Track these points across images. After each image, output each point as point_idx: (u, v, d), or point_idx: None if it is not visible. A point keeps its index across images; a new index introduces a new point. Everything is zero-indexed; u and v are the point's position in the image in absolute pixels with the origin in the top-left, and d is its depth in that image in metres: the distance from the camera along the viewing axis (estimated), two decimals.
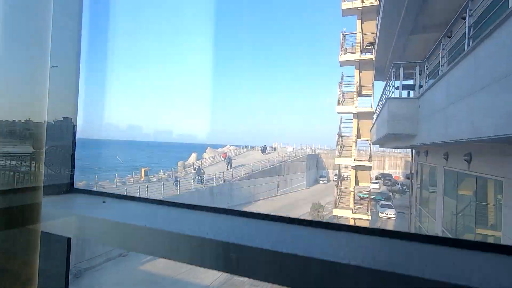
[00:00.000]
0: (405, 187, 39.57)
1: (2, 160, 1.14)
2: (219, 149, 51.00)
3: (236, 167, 32.16)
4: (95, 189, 15.29)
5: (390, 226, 23.87)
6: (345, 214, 14.28)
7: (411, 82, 9.02)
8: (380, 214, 26.84)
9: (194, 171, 25.79)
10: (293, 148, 57.28)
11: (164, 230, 0.76)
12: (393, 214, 26.44)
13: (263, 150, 40.39)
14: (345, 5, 14.51)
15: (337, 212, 14.42)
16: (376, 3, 14.27)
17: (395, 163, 55.71)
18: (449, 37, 9.45)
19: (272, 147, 52.91)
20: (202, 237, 0.70)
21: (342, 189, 15.81)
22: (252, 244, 0.64)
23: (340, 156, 15.46)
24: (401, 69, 7.40)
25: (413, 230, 12.86)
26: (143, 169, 25.88)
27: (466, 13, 4.66)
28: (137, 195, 14.15)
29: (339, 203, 14.88)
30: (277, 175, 34.84)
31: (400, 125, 6.30)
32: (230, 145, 53.85)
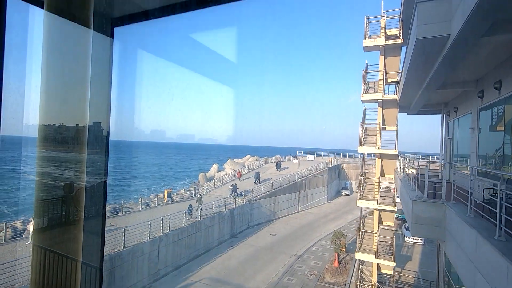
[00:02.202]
0: None
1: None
2: (240, 160, 51.31)
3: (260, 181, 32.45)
4: (121, 213, 15.91)
5: (416, 257, 22.72)
6: (368, 259, 13.80)
7: None
8: (406, 239, 25.57)
9: (231, 187, 28.21)
10: (314, 157, 56.56)
11: None
12: (421, 239, 24.90)
13: (278, 166, 39.46)
14: (367, 43, 13.97)
15: (359, 256, 13.96)
16: (400, 41, 13.63)
17: (421, 163, 53.23)
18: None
19: (294, 158, 52.49)
20: None
21: (364, 228, 15.29)
22: None
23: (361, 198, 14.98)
24: None
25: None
26: (166, 191, 26.65)
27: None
28: (160, 221, 14.45)
29: (361, 245, 14.40)
30: (298, 191, 34.47)
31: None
32: (250, 156, 54.04)
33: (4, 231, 15.86)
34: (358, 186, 28.11)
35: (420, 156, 59.07)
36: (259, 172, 34.70)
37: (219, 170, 47.43)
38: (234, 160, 51.10)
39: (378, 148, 13.83)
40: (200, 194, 24.39)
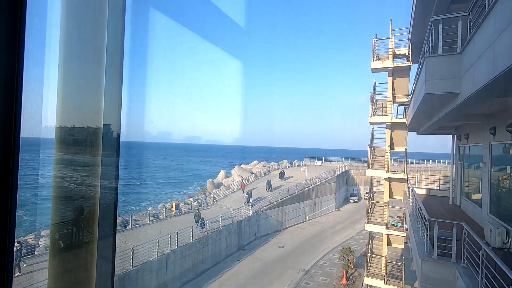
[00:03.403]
0: None
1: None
2: (247, 166, 51.34)
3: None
4: (129, 226, 16.12)
5: None
6: (377, 284, 13.61)
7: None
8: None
9: (246, 195, 29.11)
10: (321, 162, 56.19)
11: None
12: None
13: (281, 176, 38.45)
14: (375, 65, 13.75)
15: (368, 281, 13.77)
16: (409, 64, 13.38)
17: (432, 178, 52.20)
18: None
19: (301, 163, 52.25)
20: None
21: (373, 250, 15.08)
22: None
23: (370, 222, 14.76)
24: (441, 25, 6.31)
25: None
26: (173, 203, 26.89)
27: None
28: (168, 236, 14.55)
29: (370, 269, 14.21)
30: (305, 200, 34.29)
31: (439, 84, 5.47)
32: (258, 161, 54.01)
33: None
34: (367, 193, 27.55)
35: (431, 161, 58.09)
36: (270, 180, 34.67)
37: (226, 176, 47.60)
38: (241, 166, 51.17)
39: (387, 172, 13.62)
40: (198, 210, 24.26)
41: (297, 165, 52.08)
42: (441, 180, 48.70)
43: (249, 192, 29.32)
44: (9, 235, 0.77)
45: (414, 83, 10.70)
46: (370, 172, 13.83)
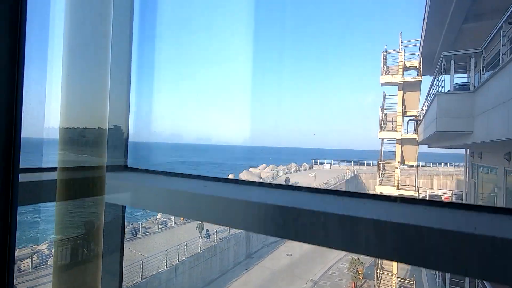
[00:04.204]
0: None
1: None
2: (255, 170, 51.39)
3: None
4: (139, 234, 16.21)
5: None
6: None
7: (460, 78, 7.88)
8: None
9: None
10: (330, 166, 55.76)
11: (212, 195, 0.86)
12: None
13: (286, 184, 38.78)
14: (385, 79, 13.51)
15: None
16: (419, 78, 13.11)
17: (444, 182, 50.99)
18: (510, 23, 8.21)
19: (310, 167, 51.96)
20: (250, 200, 0.78)
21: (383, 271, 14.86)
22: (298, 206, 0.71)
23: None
24: (452, 61, 6.21)
25: None
26: None
27: None
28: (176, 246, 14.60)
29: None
30: None
31: (451, 122, 5.36)
32: (266, 165, 53.97)
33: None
34: (377, 177, 27.27)
35: (443, 164, 56.62)
36: (289, 178, 35.13)
37: None
38: (250, 170, 51.24)
39: (397, 188, 13.37)
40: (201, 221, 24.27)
41: (306, 169, 51.84)
42: (454, 185, 47.49)
43: None
44: (9, 239, 0.76)
45: (425, 100, 10.49)
46: (379, 188, 13.60)
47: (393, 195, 0.80)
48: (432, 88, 8.17)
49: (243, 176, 47.31)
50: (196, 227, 22.29)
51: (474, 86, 5.44)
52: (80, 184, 1.21)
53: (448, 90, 5.89)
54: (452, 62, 5.52)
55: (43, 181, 1.17)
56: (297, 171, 48.99)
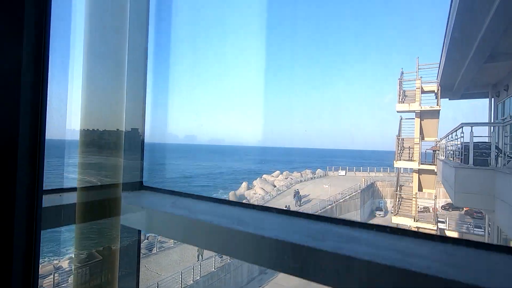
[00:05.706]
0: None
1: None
2: (269, 177, 51.31)
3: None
4: (155, 250, 16.52)
5: None
6: None
7: None
8: None
9: (295, 196, 33.07)
10: (345, 172, 54.84)
11: (229, 228, 0.83)
12: None
13: (296, 196, 34.35)
14: (401, 107, 13.13)
15: None
16: (438, 108, 12.66)
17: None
18: None
19: (324, 173, 51.32)
20: (268, 236, 0.76)
21: None
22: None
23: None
24: (471, 132, 5.81)
25: None
26: None
27: None
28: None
29: None
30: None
31: (471, 198, 5.11)
32: (280, 172, 53.73)
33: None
34: (393, 206, 26.21)
35: None
36: (298, 190, 35.00)
37: (248, 188, 47.83)
38: (264, 177, 51.21)
39: (415, 220, 12.99)
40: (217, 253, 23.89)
41: (320, 176, 51.22)
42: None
43: (296, 190, 32.34)
44: (34, 244, 0.77)
45: (445, 137, 10.08)
46: (396, 220, 13.25)
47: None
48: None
49: (257, 183, 47.35)
50: (197, 251, 21.65)
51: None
52: (98, 205, 1.23)
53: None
54: (471, 132, 5.30)
55: (63, 205, 1.17)
56: (311, 178, 48.48)
